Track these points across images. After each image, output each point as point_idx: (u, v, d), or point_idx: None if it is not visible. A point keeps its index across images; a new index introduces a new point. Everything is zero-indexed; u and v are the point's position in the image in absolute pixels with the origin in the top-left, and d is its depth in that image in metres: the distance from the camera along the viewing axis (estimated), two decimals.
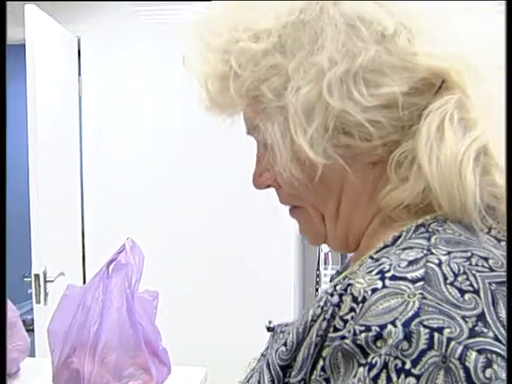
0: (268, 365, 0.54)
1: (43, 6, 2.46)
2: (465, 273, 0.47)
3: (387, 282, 0.47)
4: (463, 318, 0.44)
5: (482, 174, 0.52)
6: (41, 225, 2.35)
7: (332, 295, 0.50)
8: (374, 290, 0.47)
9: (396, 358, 0.43)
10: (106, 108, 2.92)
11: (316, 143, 0.55)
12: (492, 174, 0.53)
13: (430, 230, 0.53)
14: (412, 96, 0.54)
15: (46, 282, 2.36)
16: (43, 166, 2.37)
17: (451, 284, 0.46)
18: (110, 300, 1.36)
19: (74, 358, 1.36)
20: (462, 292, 0.45)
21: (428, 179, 0.53)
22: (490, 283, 0.46)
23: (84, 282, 2.79)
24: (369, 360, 0.44)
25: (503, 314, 0.45)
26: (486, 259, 0.48)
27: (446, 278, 0.46)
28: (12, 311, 1.57)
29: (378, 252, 0.54)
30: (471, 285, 0.46)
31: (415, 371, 0.42)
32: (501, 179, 0.52)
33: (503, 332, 0.44)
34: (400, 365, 0.42)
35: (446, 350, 0.42)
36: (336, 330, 0.48)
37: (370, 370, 0.43)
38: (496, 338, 0.43)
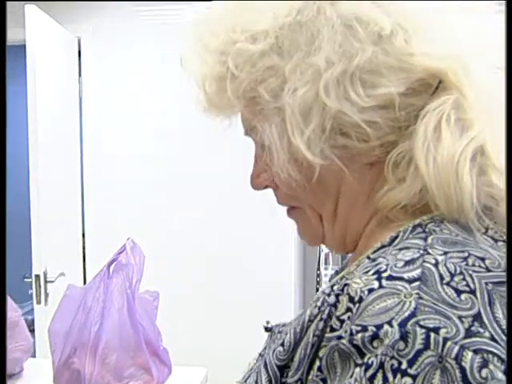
0: (265, 365, 0.54)
1: (43, 6, 2.47)
2: (461, 273, 0.47)
3: (384, 282, 0.47)
4: (459, 318, 0.44)
5: (478, 174, 0.52)
6: (41, 225, 2.35)
7: (329, 295, 0.50)
8: (371, 290, 0.47)
9: (392, 357, 0.43)
10: (106, 108, 2.93)
11: (313, 144, 0.55)
12: (489, 175, 0.53)
13: (426, 230, 0.53)
14: (409, 96, 0.54)
15: (46, 282, 2.36)
16: (44, 167, 2.38)
17: (448, 284, 0.46)
18: (110, 300, 1.36)
19: (74, 359, 1.36)
20: (459, 292, 0.45)
21: (425, 180, 0.53)
22: (486, 283, 0.46)
23: (84, 283, 2.79)
24: (365, 360, 0.44)
25: (500, 314, 0.45)
26: (482, 259, 0.49)
27: (442, 278, 0.46)
28: (14, 311, 1.57)
29: (375, 252, 0.54)
30: (468, 285, 0.46)
31: (411, 371, 0.42)
32: (497, 180, 0.53)
33: (499, 332, 0.44)
34: (396, 365, 0.42)
35: (442, 350, 0.42)
36: (333, 330, 0.48)
37: (366, 370, 0.44)
38: (492, 338, 0.43)
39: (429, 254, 0.49)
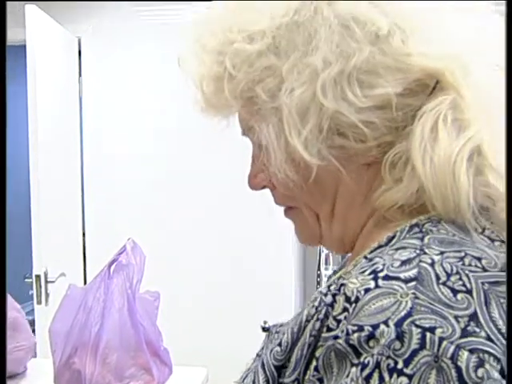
0: (263, 365, 0.54)
1: (43, 6, 2.47)
2: (458, 273, 0.47)
3: (380, 282, 0.47)
4: (455, 317, 0.44)
5: (475, 174, 0.52)
6: (41, 225, 2.35)
7: (326, 295, 0.51)
8: (367, 290, 0.47)
9: (388, 357, 0.43)
10: (106, 108, 2.93)
11: (310, 144, 0.55)
12: (485, 175, 0.53)
13: (423, 230, 0.53)
14: (406, 97, 0.54)
15: (46, 282, 2.36)
16: (44, 167, 2.38)
17: (444, 284, 0.46)
18: (111, 300, 1.37)
19: (75, 359, 1.36)
20: (455, 292, 0.45)
21: (422, 180, 0.53)
22: (482, 283, 0.46)
23: (85, 283, 2.79)
24: (361, 360, 0.44)
25: (496, 313, 0.45)
26: (479, 259, 0.49)
27: (438, 278, 0.46)
28: (17, 311, 1.56)
29: (372, 252, 0.54)
30: (464, 285, 0.46)
31: (407, 371, 0.42)
32: (494, 180, 0.53)
33: (495, 332, 0.44)
34: (392, 364, 0.43)
35: (438, 350, 0.42)
36: (329, 329, 0.48)
37: (362, 369, 0.44)
38: (488, 338, 0.43)
39: (425, 253, 0.49)
